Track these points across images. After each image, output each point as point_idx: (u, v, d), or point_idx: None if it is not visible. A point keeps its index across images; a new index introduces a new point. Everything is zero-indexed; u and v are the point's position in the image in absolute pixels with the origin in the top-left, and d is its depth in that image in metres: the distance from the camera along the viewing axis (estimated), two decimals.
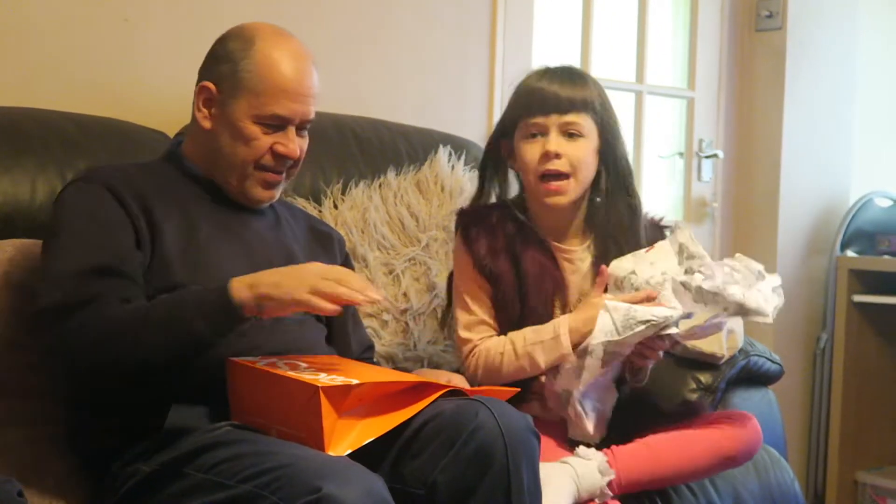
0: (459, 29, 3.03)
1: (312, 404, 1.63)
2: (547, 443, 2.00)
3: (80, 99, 2.31)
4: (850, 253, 3.79)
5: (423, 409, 1.74)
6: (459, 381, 1.97)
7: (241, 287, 1.73)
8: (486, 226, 2.18)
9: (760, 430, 2.21)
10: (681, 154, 3.70)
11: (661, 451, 2.10)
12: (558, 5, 3.39)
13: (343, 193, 2.51)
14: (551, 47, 3.32)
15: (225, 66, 1.94)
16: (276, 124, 1.92)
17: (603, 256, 2.18)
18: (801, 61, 3.72)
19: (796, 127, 3.72)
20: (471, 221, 2.19)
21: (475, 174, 2.56)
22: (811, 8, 3.74)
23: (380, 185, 2.55)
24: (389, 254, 2.46)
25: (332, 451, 1.64)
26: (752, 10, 3.74)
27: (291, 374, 1.68)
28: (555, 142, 2.13)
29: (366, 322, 2.32)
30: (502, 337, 2.14)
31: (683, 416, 2.22)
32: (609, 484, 2.01)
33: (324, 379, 1.66)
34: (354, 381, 1.66)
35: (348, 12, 2.80)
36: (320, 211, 2.44)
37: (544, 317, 2.14)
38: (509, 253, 2.16)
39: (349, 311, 2.13)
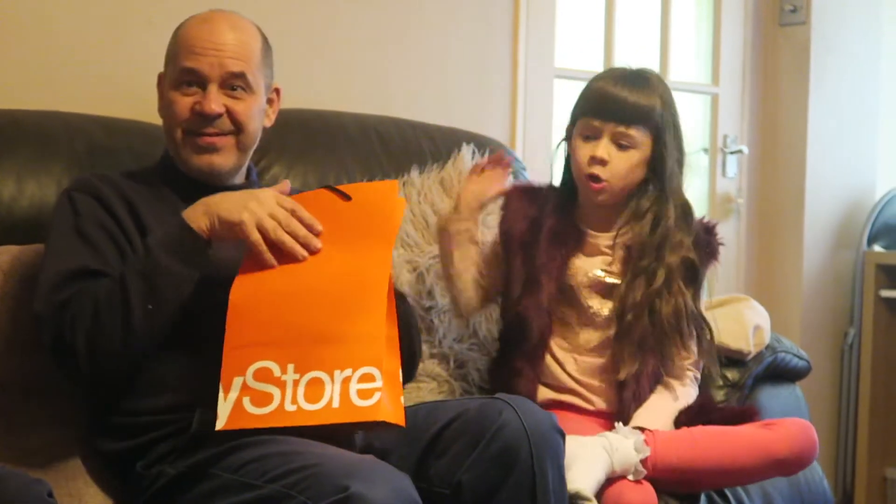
0: (482, 28, 3.03)
1: (374, 424, 1.64)
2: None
3: (105, 101, 2.32)
4: (876, 248, 3.76)
5: (448, 408, 1.77)
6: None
7: (196, 214, 1.79)
8: (533, 193, 2.28)
9: (816, 439, 2.16)
10: (705, 150, 3.68)
11: (704, 440, 2.09)
12: (581, 2, 3.38)
13: None
14: (574, 45, 3.31)
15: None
16: (190, 80, 1.90)
17: (630, 250, 2.19)
18: (825, 56, 3.69)
19: (821, 121, 3.70)
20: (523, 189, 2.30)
21: None
22: (835, 2, 3.72)
23: (403, 184, 2.55)
24: (413, 251, 2.46)
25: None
26: (776, 4, 3.71)
27: (311, 410, 1.66)
28: (604, 148, 2.15)
29: None
30: None
31: (734, 418, 2.19)
32: (644, 462, 2.01)
33: (350, 397, 1.65)
34: (377, 376, 1.65)
35: (371, 12, 2.80)
36: None
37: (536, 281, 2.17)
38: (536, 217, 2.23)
39: None
